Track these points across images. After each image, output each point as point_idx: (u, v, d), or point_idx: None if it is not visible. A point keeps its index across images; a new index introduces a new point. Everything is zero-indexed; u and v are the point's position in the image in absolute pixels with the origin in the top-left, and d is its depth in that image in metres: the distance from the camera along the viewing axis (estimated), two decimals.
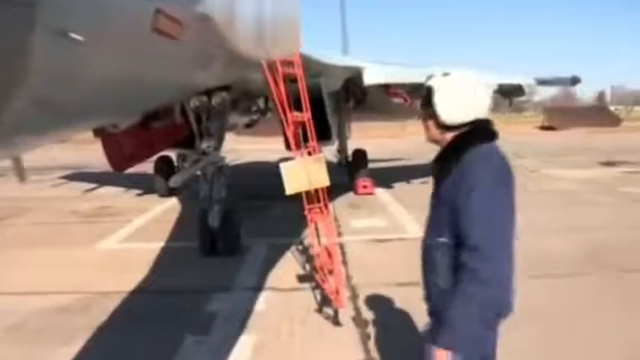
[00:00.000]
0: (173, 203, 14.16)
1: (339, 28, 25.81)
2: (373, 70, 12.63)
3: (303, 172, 4.78)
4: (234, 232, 8.47)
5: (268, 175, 19.75)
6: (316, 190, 5.14)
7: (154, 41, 2.84)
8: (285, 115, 5.28)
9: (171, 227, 11.06)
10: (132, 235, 10.76)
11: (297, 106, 5.95)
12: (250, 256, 8.57)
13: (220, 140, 8.40)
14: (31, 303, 6.72)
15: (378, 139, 32.45)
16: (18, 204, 15.09)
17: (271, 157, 23.22)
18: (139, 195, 16.23)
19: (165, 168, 15.28)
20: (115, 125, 5.10)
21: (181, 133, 8.32)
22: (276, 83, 5.14)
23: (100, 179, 18.82)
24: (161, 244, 9.66)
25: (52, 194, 17.18)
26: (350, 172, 15.81)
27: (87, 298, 6.81)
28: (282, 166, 5.08)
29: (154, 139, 7.19)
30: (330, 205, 6.49)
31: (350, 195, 14.58)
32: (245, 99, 12.08)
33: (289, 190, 5.09)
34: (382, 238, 9.59)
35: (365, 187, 14.82)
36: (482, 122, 2.66)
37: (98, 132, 5.65)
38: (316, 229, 5.45)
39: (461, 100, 2.61)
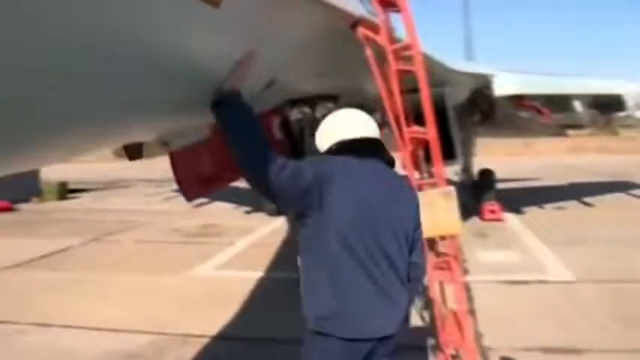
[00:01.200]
0: (281, 224, 13.18)
1: (452, 32, 23.81)
2: (505, 79, 10.93)
3: (426, 212, 3.43)
4: None
5: None
6: (442, 237, 3.73)
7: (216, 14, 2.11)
8: (400, 129, 3.89)
9: (275, 253, 10.03)
10: (231, 260, 9.79)
11: (416, 119, 4.66)
12: None
13: None
14: (99, 343, 5.83)
15: (498, 156, 30.12)
16: (128, 218, 14.83)
17: None
18: (248, 213, 15.48)
19: None
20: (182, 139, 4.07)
21: (281, 151, 7.20)
22: (386, 82, 3.84)
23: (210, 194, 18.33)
24: (261, 273, 8.63)
25: (161, 208, 16.89)
26: (475, 194, 14.11)
27: (163, 342, 5.81)
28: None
29: None
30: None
31: (475, 220, 12.92)
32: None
33: None
34: (517, 280, 7.94)
35: (492, 211, 13.13)
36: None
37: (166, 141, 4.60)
38: (441, 290, 3.99)
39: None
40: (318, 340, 2.61)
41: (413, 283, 2.80)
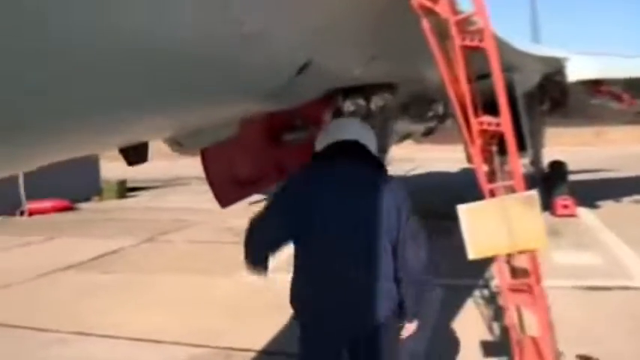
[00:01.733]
0: None
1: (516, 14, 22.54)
2: (580, 63, 9.94)
3: (500, 222, 2.78)
4: None
5: (449, 187, 17.95)
6: (520, 252, 3.05)
7: None
8: (467, 120, 3.21)
9: None
10: (288, 262, 9.27)
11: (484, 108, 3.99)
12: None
13: (383, 157, 6.60)
14: (135, 356, 5.42)
15: (567, 146, 28.55)
16: (183, 217, 14.60)
17: (452, 168, 21.11)
18: None
19: None
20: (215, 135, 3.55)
21: None
22: (449, 64, 3.19)
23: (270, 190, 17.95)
24: None
25: (215, 206, 16.56)
26: (546, 188, 13.14)
27: (204, 356, 5.35)
28: (463, 208, 3.08)
29: (285, 157, 5.45)
30: None
31: (547, 217, 12.00)
32: (418, 103, 10.20)
33: (473, 250, 3.01)
34: (597, 285, 7.12)
35: (566, 206, 12.20)
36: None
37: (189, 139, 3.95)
38: (519, 316, 3.30)
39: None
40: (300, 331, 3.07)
41: (405, 282, 2.90)
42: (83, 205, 18.34)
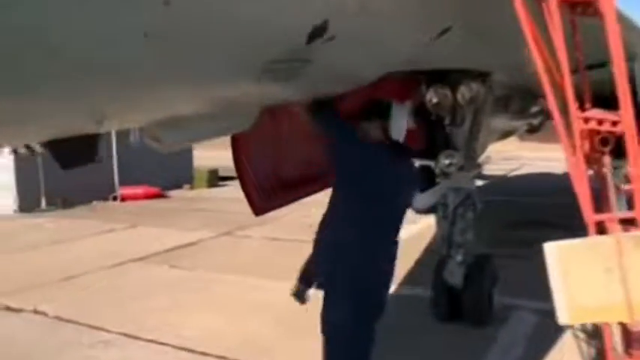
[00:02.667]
0: (429, 224, 11.62)
1: None
2: None
3: (610, 273, 1.86)
4: (482, 291, 5.64)
5: (549, 191, 16.42)
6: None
7: None
8: (567, 115, 2.28)
9: (415, 261, 8.59)
10: None
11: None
12: (505, 331, 5.68)
13: (471, 155, 5.67)
14: None
15: None
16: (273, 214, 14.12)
17: (557, 169, 19.44)
18: None
19: (423, 177, 12.55)
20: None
21: (415, 142, 5.70)
22: (545, 45, 2.29)
23: None
24: (394, 287, 7.26)
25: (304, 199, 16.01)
26: None
27: None
28: (552, 248, 2.19)
29: None
30: None
31: None
32: (519, 97, 9.07)
33: (569, 312, 2.09)
34: None
35: None
36: None
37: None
38: None
39: None
40: None
41: None
42: (173, 193, 18.34)
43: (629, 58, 5.64)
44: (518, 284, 6.70)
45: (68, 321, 6.35)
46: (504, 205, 13.02)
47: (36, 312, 6.71)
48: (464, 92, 5.15)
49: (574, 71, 2.49)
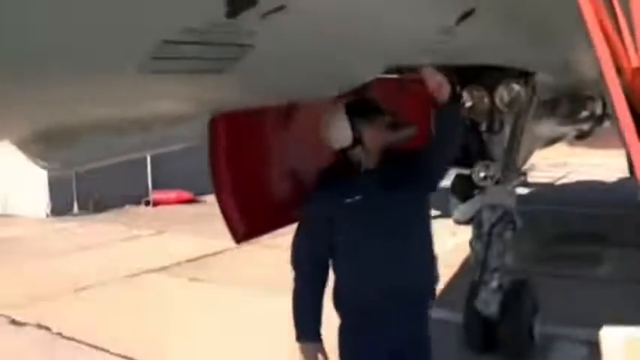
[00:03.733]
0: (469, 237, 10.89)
1: None
2: None
3: None
4: (520, 320, 4.93)
5: (599, 201, 15.43)
6: None
7: None
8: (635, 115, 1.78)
9: (446, 280, 7.87)
10: None
11: None
12: None
13: (510, 167, 4.98)
14: None
15: None
16: None
17: (609, 177, 18.39)
18: (434, 218, 13.27)
19: (463, 185, 11.66)
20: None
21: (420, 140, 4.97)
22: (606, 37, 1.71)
23: None
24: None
25: None
26: None
27: None
28: (614, 338, 1.60)
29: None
30: None
31: None
32: (568, 100, 8.31)
33: None
34: None
35: None
36: None
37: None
38: None
39: None
40: None
41: None
42: (207, 198, 17.97)
43: None
44: (563, 309, 5.96)
45: (70, 338, 5.94)
46: (549, 215, 12.16)
47: (39, 326, 6.33)
48: (503, 94, 4.51)
49: None
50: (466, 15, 2.22)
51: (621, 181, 16.26)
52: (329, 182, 2.98)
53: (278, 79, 1.98)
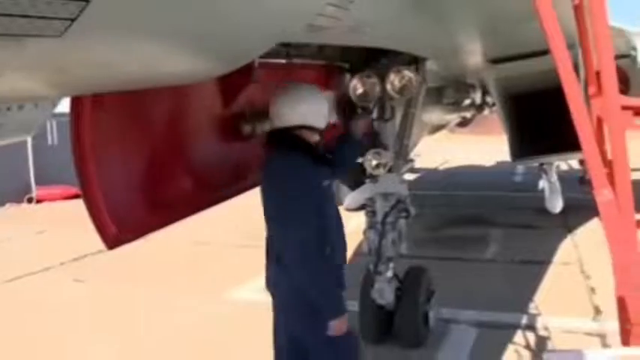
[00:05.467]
0: (358, 224, 10.94)
1: None
2: None
3: None
4: (416, 309, 4.94)
5: (482, 184, 16.08)
6: None
7: None
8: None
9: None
10: None
11: None
12: (446, 350, 5.05)
13: (403, 153, 4.96)
14: None
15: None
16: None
17: (489, 161, 19.25)
18: None
19: (354, 173, 11.62)
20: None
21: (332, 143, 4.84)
22: None
23: None
24: None
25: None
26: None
27: None
28: None
29: (243, 154, 3.58)
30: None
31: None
32: (454, 88, 8.51)
33: None
34: None
35: None
36: None
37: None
38: None
39: None
40: None
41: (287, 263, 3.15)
42: None
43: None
44: (452, 293, 6.07)
45: None
46: (435, 200, 12.49)
47: None
48: (394, 81, 4.45)
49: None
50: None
51: (500, 165, 17.09)
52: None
53: (131, 52, 1.61)
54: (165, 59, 1.75)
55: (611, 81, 2.13)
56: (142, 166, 2.65)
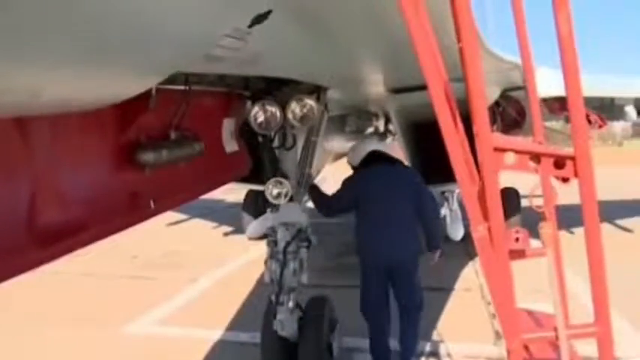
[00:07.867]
0: (263, 253, 10.78)
1: None
2: (546, 77, 8.16)
3: None
4: (319, 340, 4.85)
5: None
6: None
7: None
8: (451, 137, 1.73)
9: (244, 299, 7.64)
10: (184, 308, 7.47)
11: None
12: None
13: (304, 182, 4.90)
14: None
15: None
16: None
17: None
18: (227, 235, 13.07)
19: (256, 203, 11.07)
20: None
21: (242, 165, 4.72)
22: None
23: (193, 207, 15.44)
24: (219, 332, 6.34)
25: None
26: None
27: None
28: None
29: (141, 185, 3.38)
30: None
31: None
32: (356, 116, 8.62)
33: None
34: None
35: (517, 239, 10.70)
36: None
37: None
38: None
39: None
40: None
41: (427, 226, 5.35)
42: None
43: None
44: (358, 321, 6.03)
45: None
46: (333, 227, 12.54)
47: None
48: (295, 109, 4.39)
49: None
50: (261, 17, 1.98)
51: None
52: None
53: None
54: (56, 86, 1.63)
55: (483, 122, 2.16)
56: (21, 197, 2.37)
